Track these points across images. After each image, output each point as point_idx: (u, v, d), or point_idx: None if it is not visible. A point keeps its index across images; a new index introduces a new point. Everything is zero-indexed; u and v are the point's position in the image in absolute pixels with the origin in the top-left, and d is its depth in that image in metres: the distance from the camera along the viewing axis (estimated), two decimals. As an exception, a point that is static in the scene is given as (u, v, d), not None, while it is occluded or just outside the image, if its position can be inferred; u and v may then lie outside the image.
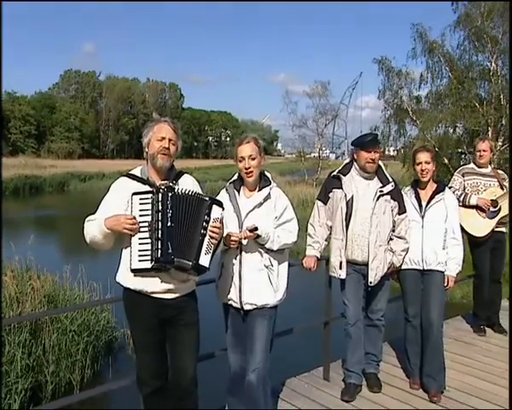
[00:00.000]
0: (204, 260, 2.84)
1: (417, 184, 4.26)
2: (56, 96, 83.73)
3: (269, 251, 3.24)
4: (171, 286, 2.90)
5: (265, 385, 3.27)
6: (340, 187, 3.93)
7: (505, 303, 6.32)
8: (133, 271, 2.83)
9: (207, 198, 2.91)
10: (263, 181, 3.35)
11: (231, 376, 3.46)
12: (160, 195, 2.79)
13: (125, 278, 2.93)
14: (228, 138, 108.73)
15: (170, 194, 2.80)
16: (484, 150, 5.35)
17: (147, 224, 2.79)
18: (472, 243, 5.40)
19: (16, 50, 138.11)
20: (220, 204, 2.94)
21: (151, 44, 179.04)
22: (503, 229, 5.46)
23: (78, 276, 8.20)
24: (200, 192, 2.97)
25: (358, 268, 3.94)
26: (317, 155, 37.99)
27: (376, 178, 3.95)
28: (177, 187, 2.88)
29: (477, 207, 5.23)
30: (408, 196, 4.19)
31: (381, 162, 4.01)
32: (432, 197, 4.16)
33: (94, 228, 2.88)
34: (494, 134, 19.19)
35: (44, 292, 7.33)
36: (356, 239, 3.89)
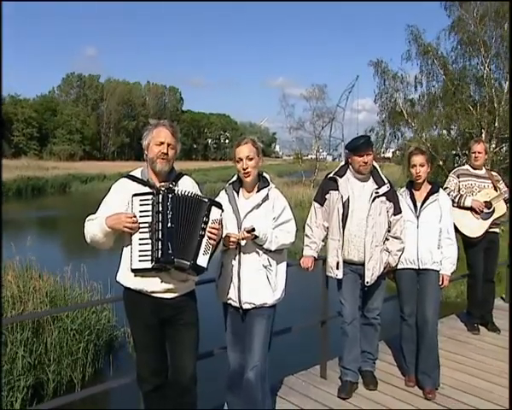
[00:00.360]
0: (202, 260, 2.83)
1: (412, 186, 4.26)
2: (58, 99, 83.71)
3: (267, 251, 3.23)
4: (170, 286, 2.90)
5: (264, 383, 3.26)
6: (337, 189, 3.94)
7: (498, 302, 6.34)
8: (133, 271, 2.83)
9: (207, 200, 2.91)
10: (261, 182, 3.35)
11: (230, 374, 3.46)
12: (161, 196, 2.78)
13: (126, 278, 2.92)
14: (227, 140, 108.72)
15: (170, 195, 2.79)
16: (479, 152, 5.35)
17: (147, 224, 2.79)
18: (466, 243, 5.40)
19: (18, 53, 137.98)
20: (219, 206, 2.93)
21: (152, 48, 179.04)
22: (496, 230, 5.47)
23: (77, 275, 8.20)
24: (200, 194, 2.97)
25: (355, 268, 3.94)
26: (314, 156, 38.03)
27: (372, 179, 3.95)
28: (176, 188, 2.88)
29: (471, 209, 5.23)
30: (403, 197, 4.19)
31: (376, 164, 4.01)
32: (426, 198, 4.16)
33: (95, 227, 2.87)
34: (487, 136, 19.23)
35: (46, 291, 7.33)
36: (352, 240, 3.89)
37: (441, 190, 4.30)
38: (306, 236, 4.09)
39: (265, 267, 3.25)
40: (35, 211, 28.58)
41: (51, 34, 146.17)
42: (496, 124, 19.57)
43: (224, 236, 3.07)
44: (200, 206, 2.86)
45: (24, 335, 6.34)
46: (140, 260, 2.79)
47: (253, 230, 3.09)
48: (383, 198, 3.90)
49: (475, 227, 5.26)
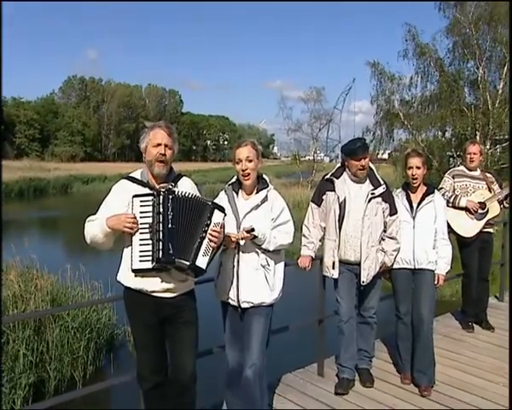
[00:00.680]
0: (201, 261, 2.82)
1: (408, 187, 4.26)
2: (60, 102, 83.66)
3: (265, 251, 3.23)
4: (170, 285, 2.90)
5: (262, 381, 3.26)
6: (333, 190, 3.94)
7: (492, 301, 6.35)
8: (134, 271, 2.82)
9: (210, 203, 2.91)
10: (260, 184, 3.35)
11: (229, 371, 3.46)
12: (161, 197, 2.78)
13: (126, 278, 2.92)
14: (226, 142, 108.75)
15: (171, 196, 2.79)
16: (474, 153, 5.35)
17: (147, 225, 2.79)
18: (460, 243, 5.41)
19: (19, 55, 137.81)
20: (222, 210, 2.93)
21: (153, 51, 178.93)
22: (490, 230, 5.48)
23: (78, 274, 8.19)
24: (199, 195, 2.96)
25: (351, 268, 3.94)
26: (311, 158, 37.99)
27: (368, 180, 3.95)
28: (176, 190, 2.88)
29: (466, 209, 5.23)
30: (399, 197, 4.19)
31: (372, 165, 4.01)
32: (422, 199, 4.17)
33: (95, 228, 2.87)
34: (481, 138, 19.24)
35: (47, 290, 7.32)
36: (348, 240, 3.89)
37: (436, 191, 4.30)
38: (304, 236, 4.10)
39: (264, 267, 3.25)
40: (37, 211, 28.57)
41: (52, 37, 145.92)
42: (490, 126, 19.59)
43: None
44: (204, 208, 2.86)
45: (26, 333, 6.34)
46: (140, 261, 2.78)
47: (253, 230, 3.09)
48: (379, 199, 3.90)
49: (469, 227, 5.27)
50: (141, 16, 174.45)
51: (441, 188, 5.29)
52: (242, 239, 3.16)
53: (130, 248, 2.84)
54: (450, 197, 5.22)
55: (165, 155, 2.92)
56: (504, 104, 19.59)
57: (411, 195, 4.21)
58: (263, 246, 3.19)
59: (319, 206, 4.04)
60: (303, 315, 5.84)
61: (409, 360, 4.24)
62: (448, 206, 5.06)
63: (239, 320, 3.35)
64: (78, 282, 8.18)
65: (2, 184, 26.81)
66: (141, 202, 2.81)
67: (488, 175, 5.53)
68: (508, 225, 6.82)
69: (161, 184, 2.91)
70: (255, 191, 3.32)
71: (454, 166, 6.75)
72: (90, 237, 2.90)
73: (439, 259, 4.12)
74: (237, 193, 3.36)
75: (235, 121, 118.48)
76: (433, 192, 4.20)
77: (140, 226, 2.80)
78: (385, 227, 3.98)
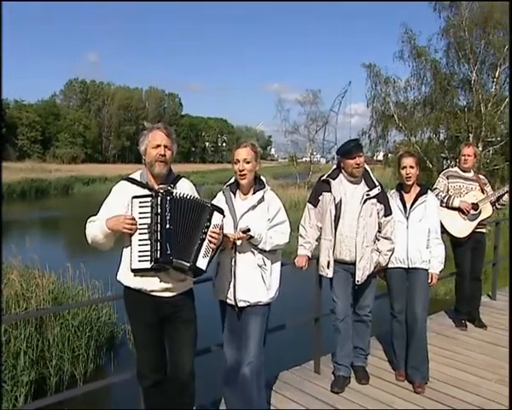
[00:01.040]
0: (201, 262, 2.83)
1: (402, 187, 4.27)
2: (61, 104, 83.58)
3: (262, 251, 3.23)
4: (169, 285, 2.90)
5: (259, 378, 3.26)
6: (330, 191, 3.94)
7: (485, 299, 6.37)
8: (133, 271, 2.82)
9: (209, 205, 2.91)
10: (257, 184, 3.35)
11: (227, 369, 3.45)
12: (159, 198, 2.78)
13: (126, 278, 2.92)
14: (224, 144, 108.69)
15: (168, 197, 2.79)
16: (468, 155, 5.36)
17: (146, 226, 2.79)
18: (454, 242, 5.42)
19: (21, 59, 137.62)
20: (221, 211, 2.94)
21: (153, 55, 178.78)
22: (483, 230, 5.49)
23: (79, 274, 8.18)
24: (197, 196, 2.96)
25: (347, 267, 3.94)
26: (308, 159, 38.06)
27: (363, 182, 3.96)
28: (175, 191, 2.88)
29: (459, 210, 5.24)
30: (393, 198, 4.20)
31: (367, 167, 4.02)
32: (415, 199, 4.17)
33: (95, 228, 2.87)
34: (474, 140, 19.28)
35: (49, 289, 7.32)
36: (344, 240, 3.89)
37: (429, 191, 4.31)
38: (300, 236, 4.10)
39: (260, 267, 3.25)
40: (38, 212, 28.53)
41: (53, 40, 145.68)
42: (482, 128, 19.63)
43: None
44: (203, 210, 2.86)
45: (27, 331, 6.33)
46: (139, 261, 2.78)
47: (248, 230, 3.09)
48: (374, 200, 3.91)
49: (463, 228, 5.28)
50: (141, 20, 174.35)
51: (435, 188, 5.30)
52: (238, 239, 3.16)
53: (129, 248, 2.84)
54: (443, 198, 5.23)
55: (164, 155, 2.92)
56: (496, 107, 19.67)
57: (405, 195, 4.22)
58: (259, 246, 3.19)
59: (316, 206, 4.04)
60: (300, 314, 5.84)
61: (403, 358, 4.24)
62: (442, 206, 5.07)
63: (236, 319, 3.34)
64: (79, 281, 8.17)
65: (1, 185, 26.75)
66: (140, 202, 2.81)
67: (481, 177, 5.54)
68: (500, 226, 6.84)
69: (160, 186, 2.91)
70: (252, 192, 3.32)
71: (448, 168, 6.76)
72: (91, 238, 2.91)
73: (432, 258, 4.12)
74: (235, 194, 3.36)
75: (233, 123, 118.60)
76: (426, 192, 4.21)
77: (139, 227, 2.80)
78: (380, 228, 3.99)
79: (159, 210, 2.76)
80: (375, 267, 4.00)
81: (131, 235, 2.81)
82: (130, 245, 2.82)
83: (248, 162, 3.24)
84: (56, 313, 6.81)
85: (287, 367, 4.50)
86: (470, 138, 19.28)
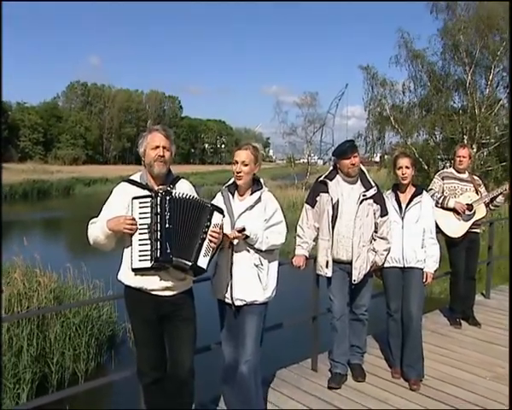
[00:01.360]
0: (202, 261, 2.83)
1: (397, 188, 4.28)
2: (63, 106, 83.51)
3: (258, 251, 3.22)
4: (169, 284, 2.90)
5: (256, 376, 3.26)
6: (327, 191, 3.94)
7: (479, 298, 6.38)
8: (134, 270, 2.82)
9: (209, 205, 2.92)
10: (255, 185, 3.35)
11: (225, 367, 3.46)
12: (159, 198, 2.78)
13: (127, 277, 2.92)
14: (223, 145, 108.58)
15: (168, 197, 2.79)
16: (463, 156, 5.37)
17: (146, 226, 2.79)
18: (448, 242, 5.43)
19: (24, 62, 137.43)
20: (221, 211, 2.94)
21: (154, 57, 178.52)
22: (477, 230, 5.50)
23: (81, 273, 8.17)
24: (197, 196, 2.97)
25: (343, 267, 3.95)
26: (305, 160, 38.03)
27: (360, 183, 3.96)
28: (174, 191, 2.88)
29: (454, 210, 5.25)
30: (389, 198, 4.21)
31: (363, 168, 4.03)
32: (411, 200, 4.18)
33: (97, 230, 2.88)
34: (469, 141, 19.32)
35: (50, 288, 7.31)
36: (341, 240, 3.89)
37: (424, 192, 4.32)
38: (298, 236, 4.10)
39: (257, 266, 3.24)
40: (40, 212, 28.49)
41: (56, 43, 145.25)
42: (477, 130, 19.67)
43: None
44: (203, 210, 2.87)
45: (29, 329, 6.33)
46: (140, 260, 2.79)
47: (244, 230, 3.09)
48: (370, 201, 3.91)
49: (457, 228, 5.29)
50: (142, 24, 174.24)
51: (431, 189, 5.31)
52: (234, 239, 3.16)
53: (130, 248, 2.84)
54: (439, 198, 5.23)
55: (163, 156, 2.93)
56: (490, 109, 19.71)
57: (400, 196, 4.23)
58: (255, 246, 3.19)
59: (313, 207, 4.04)
60: (297, 313, 5.85)
61: (399, 356, 4.24)
62: (437, 207, 5.08)
63: (234, 318, 3.35)
64: (80, 280, 8.16)
65: (1, 185, 26.72)
66: (140, 203, 2.81)
67: (475, 178, 5.55)
68: (493, 226, 6.86)
69: (160, 186, 2.92)
70: (250, 193, 3.32)
71: (443, 169, 6.78)
72: (93, 239, 2.91)
73: (427, 258, 4.13)
74: (233, 194, 3.36)
75: (232, 125, 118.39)
76: (421, 193, 4.22)
77: (139, 227, 2.80)
78: (376, 228, 3.99)
79: (158, 210, 2.77)
80: (371, 267, 4.00)
81: (132, 235, 2.81)
82: (131, 245, 2.82)
83: (246, 165, 3.24)
84: (58, 312, 6.80)
85: (285, 365, 4.50)
86: (465, 140, 19.32)
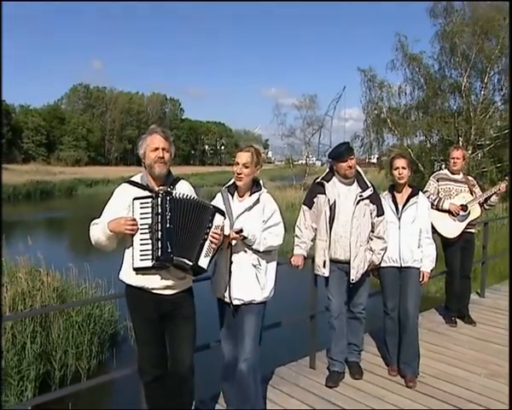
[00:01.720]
0: (203, 261, 2.84)
1: (394, 188, 4.28)
2: (65, 109, 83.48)
3: (256, 252, 3.22)
4: (169, 283, 2.90)
5: (255, 374, 3.26)
6: (324, 192, 3.94)
7: (474, 297, 6.39)
8: (135, 269, 2.82)
9: (211, 206, 2.92)
10: (254, 187, 3.35)
11: (225, 365, 3.45)
12: (160, 199, 2.78)
13: (128, 276, 2.92)
14: (222, 147, 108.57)
15: (168, 198, 2.79)
16: (457, 158, 5.37)
17: (147, 226, 2.79)
18: (444, 243, 5.43)
19: (27, 64, 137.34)
20: (222, 213, 2.95)
21: (154, 59, 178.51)
22: (472, 230, 5.50)
23: (83, 272, 8.17)
24: (196, 196, 2.97)
25: (341, 266, 3.95)
26: (304, 162, 38.11)
27: (356, 183, 3.96)
28: (174, 192, 2.88)
29: (449, 211, 5.26)
30: (385, 199, 4.21)
31: (360, 169, 4.03)
32: (407, 200, 4.18)
33: (98, 231, 2.88)
34: (464, 143, 19.35)
35: (53, 287, 7.31)
36: (338, 240, 3.90)
37: (421, 193, 4.32)
38: (296, 236, 4.10)
39: (255, 266, 3.23)
40: (43, 213, 28.50)
41: (59, 47, 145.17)
42: (472, 132, 19.69)
43: None
44: (205, 211, 2.88)
45: (32, 327, 6.33)
46: (141, 260, 2.79)
47: (241, 230, 3.09)
48: (367, 201, 3.91)
49: (452, 228, 5.29)
50: (144, 27, 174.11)
51: (426, 191, 5.31)
52: (232, 239, 3.16)
53: (131, 247, 2.84)
54: (434, 200, 5.24)
55: (163, 157, 2.93)
56: (485, 112, 19.74)
57: (397, 196, 4.23)
58: (253, 246, 3.18)
59: (311, 208, 4.04)
60: (296, 311, 5.84)
61: (396, 354, 4.25)
62: (432, 208, 5.08)
63: (233, 317, 3.35)
64: (83, 279, 8.16)
65: (1, 185, 26.67)
66: (141, 204, 2.82)
67: (470, 178, 5.56)
68: (488, 226, 6.87)
69: (160, 187, 2.92)
70: (249, 194, 3.32)
71: (439, 170, 6.78)
72: (95, 240, 2.92)
73: (423, 257, 4.14)
74: (232, 195, 3.35)
75: (232, 127, 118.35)
76: (417, 194, 4.22)
77: (140, 227, 2.80)
78: (373, 227, 3.99)
79: (159, 210, 2.77)
80: (368, 266, 4.01)
81: (133, 235, 2.81)
82: (132, 245, 2.82)
83: (247, 167, 3.24)
84: (61, 310, 6.80)
85: (283, 363, 4.51)
86: (460, 142, 19.34)
